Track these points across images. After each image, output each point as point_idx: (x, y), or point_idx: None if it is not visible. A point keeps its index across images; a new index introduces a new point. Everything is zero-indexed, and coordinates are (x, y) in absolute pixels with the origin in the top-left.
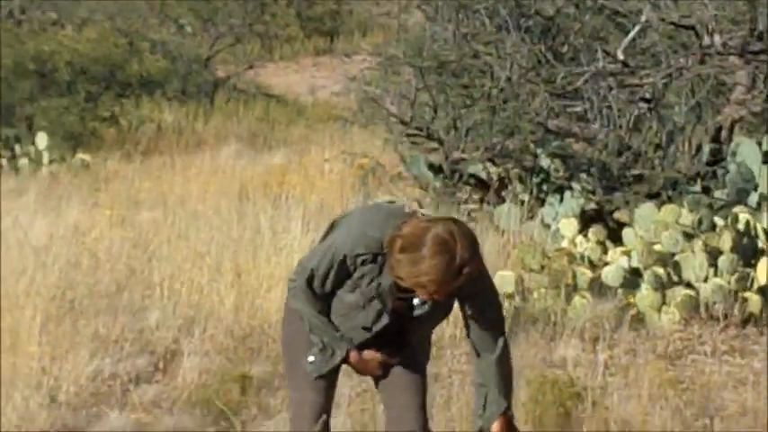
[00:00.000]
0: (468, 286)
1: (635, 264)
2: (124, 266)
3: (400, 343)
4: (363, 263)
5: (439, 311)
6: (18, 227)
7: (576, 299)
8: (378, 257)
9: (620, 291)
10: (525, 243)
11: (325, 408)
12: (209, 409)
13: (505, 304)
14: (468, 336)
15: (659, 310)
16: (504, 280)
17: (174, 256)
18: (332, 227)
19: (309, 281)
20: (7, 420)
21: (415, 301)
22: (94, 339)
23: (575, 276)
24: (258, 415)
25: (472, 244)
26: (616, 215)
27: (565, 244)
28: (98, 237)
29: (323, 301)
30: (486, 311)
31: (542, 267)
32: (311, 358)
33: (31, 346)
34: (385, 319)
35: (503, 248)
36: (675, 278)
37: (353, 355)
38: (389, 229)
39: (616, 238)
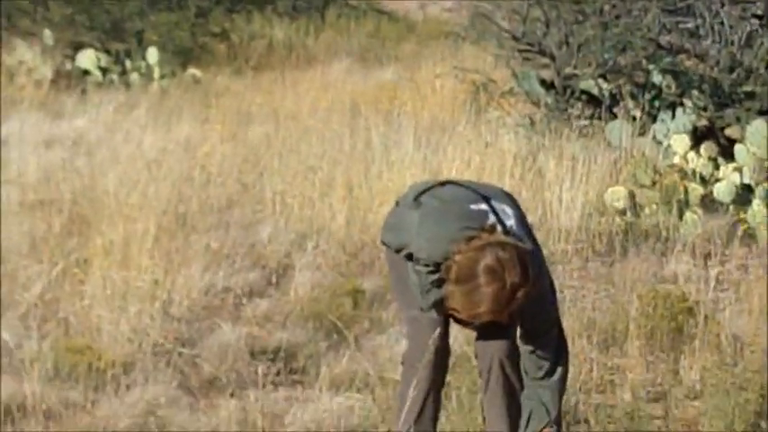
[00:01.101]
0: (528, 306)
1: (746, 180)
2: (235, 181)
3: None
4: (426, 265)
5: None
6: (130, 141)
7: (688, 214)
8: (439, 265)
9: (731, 207)
10: (637, 159)
11: (443, 321)
12: (321, 322)
13: (617, 220)
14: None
15: None
16: (615, 195)
17: (286, 171)
18: (418, 198)
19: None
20: (120, 333)
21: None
22: (206, 253)
23: (686, 192)
24: (370, 328)
25: (524, 267)
26: (727, 131)
27: (676, 160)
28: (209, 152)
29: None
30: (537, 334)
31: (654, 183)
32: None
33: (143, 260)
34: (434, 315)
35: (614, 164)
36: None
37: None
38: (457, 243)
39: (727, 155)
